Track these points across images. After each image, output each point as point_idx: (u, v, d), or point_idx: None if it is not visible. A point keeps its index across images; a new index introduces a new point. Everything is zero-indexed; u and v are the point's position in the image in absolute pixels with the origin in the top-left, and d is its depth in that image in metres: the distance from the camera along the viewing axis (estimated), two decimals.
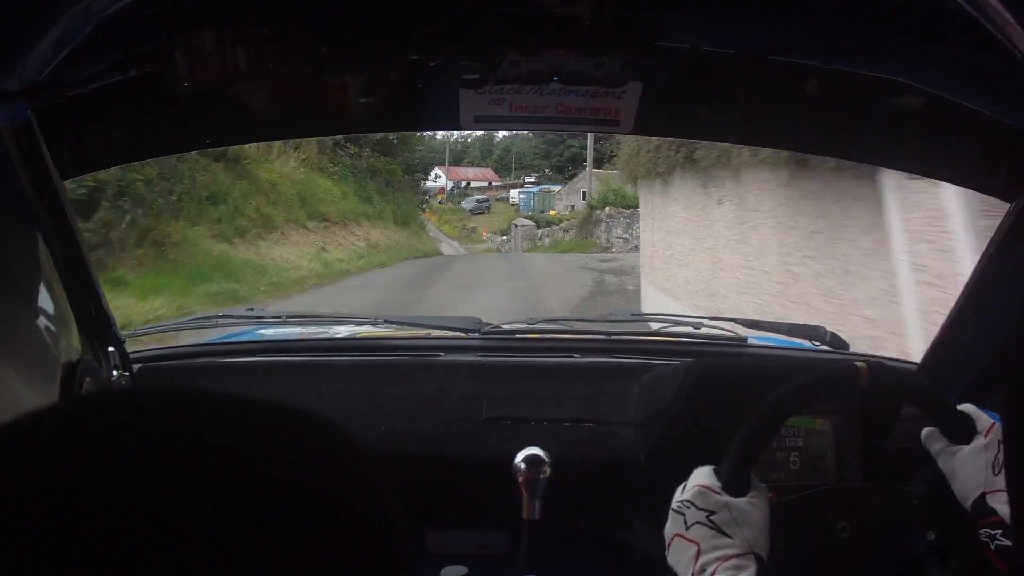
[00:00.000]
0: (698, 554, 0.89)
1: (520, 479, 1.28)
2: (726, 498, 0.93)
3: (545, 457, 1.28)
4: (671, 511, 0.96)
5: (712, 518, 0.91)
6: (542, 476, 1.27)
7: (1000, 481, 1.02)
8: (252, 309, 1.89)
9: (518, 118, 1.34)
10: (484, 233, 39.15)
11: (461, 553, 1.37)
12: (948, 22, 0.96)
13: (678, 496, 0.97)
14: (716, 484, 0.95)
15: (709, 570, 0.87)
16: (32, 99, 1.04)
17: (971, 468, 1.05)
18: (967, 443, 1.06)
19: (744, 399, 1.34)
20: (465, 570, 1.20)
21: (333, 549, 0.33)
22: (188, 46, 1.05)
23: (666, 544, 0.96)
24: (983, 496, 1.02)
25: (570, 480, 1.31)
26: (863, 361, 1.06)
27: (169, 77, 1.06)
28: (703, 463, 1.25)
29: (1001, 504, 1.01)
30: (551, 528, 1.30)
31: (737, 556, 0.88)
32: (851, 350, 1.84)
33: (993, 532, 0.99)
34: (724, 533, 0.90)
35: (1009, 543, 0.97)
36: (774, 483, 1.33)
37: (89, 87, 1.07)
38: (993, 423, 1.07)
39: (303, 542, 0.32)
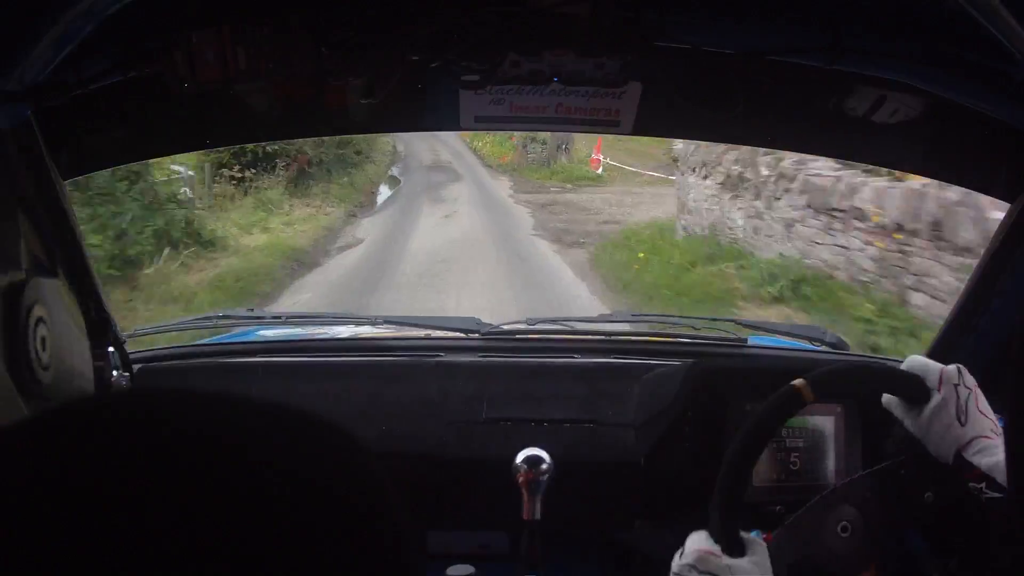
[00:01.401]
0: None
1: (520, 479, 1.28)
2: (728, 561, 0.93)
3: (545, 457, 1.28)
4: (671, 574, 0.95)
5: None
6: (542, 476, 1.27)
7: (969, 431, 1.01)
8: (252, 309, 1.88)
9: (518, 118, 1.34)
10: None
11: (461, 553, 1.37)
12: (948, 22, 0.96)
13: (678, 560, 0.96)
14: (716, 548, 0.94)
15: None
16: (32, 99, 1.04)
17: (938, 426, 1.03)
18: (926, 401, 1.05)
19: (744, 399, 1.34)
20: (471, 569, 1.20)
21: (338, 549, 0.33)
22: (188, 46, 1.05)
23: None
24: (959, 452, 1.01)
25: (570, 481, 1.31)
26: (802, 379, 1.05)
27: (169, 77, 1.06)
28: (703, 463, 1.25)
29: (977, 455, 0.99)
30: (551, 528, 1.30)
31: None
32: (850, 350, 1.85)
33: (979, 485, 0.98)
34: None
35: (998, 495, 0.96)
36: (775, 483, 1.33)
37: (89, 87, 1.07)
38: (941, 370, 1.05)
39: (308, 542, 0.32)
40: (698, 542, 0.96)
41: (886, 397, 1.11)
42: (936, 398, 1.04)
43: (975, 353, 1.39)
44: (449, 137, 26.31)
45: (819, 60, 1.12)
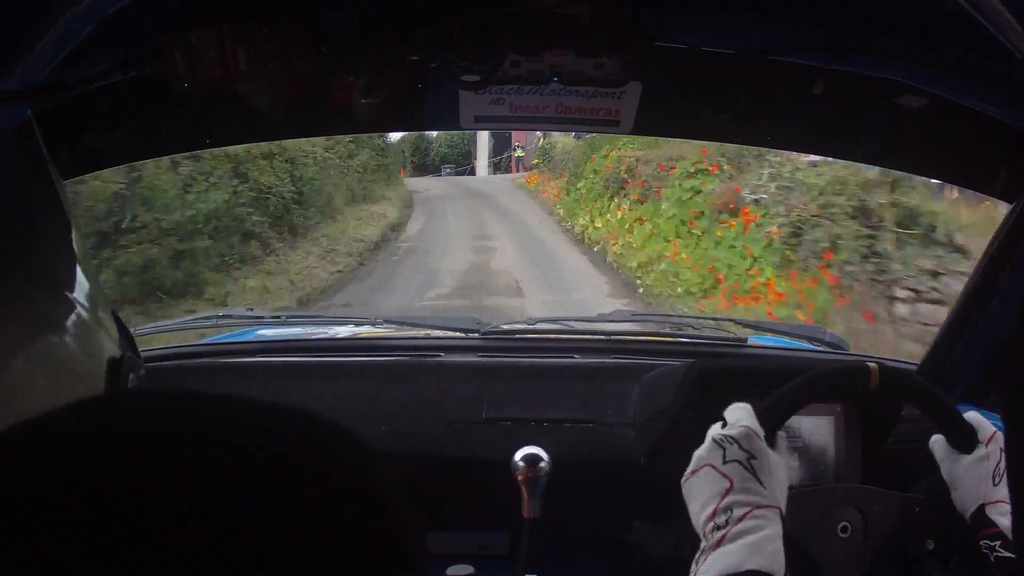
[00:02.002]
0: (729, 491, 0.88)
1: (519, 477, 1.28)
2: (767, 448, 0.93)
3: (544, 455, 1.28)
4: (710, 440, 0.94)
5: (752, 462, 0.90)
6: (541, 475, 1.28)
7: (999, 492, 1.02)
8: (252, 309, 1.88)
9: (518, 118, 1.34)
10: None
11: (461, 553, 1.37)
12: (948, 22, 0.96)
13: (717, 429, 0.95)
14: (760, 430, 0.94)
15: (738, 512, 0.86)
16: (32, 99, 1.04)
17: (972, 478, 1.04)
18: (969, 452, 1.06)
19: (744, 399, 1.34)
20: (471, 569, 1.20)
21: (342, 546, 0.33)
22: (188, 46, 1.05)
23: (690, 470, 0.94)
24: (982, 507, 1.02)
25: (570, 480, 1.31)
26: (874, 362, 1.07)
27: (169, 77, 1.06)
28: None
29: (1000, 516, 1.01)
30: (551, 528, 1.30)
31: (766, 507, 0.87)
32: (849, 350, 1.85)
33: (992, 543, 0.99)
34: (760, 481, 0.89)
35: (1009, 555, 0.97)
36: None
37: (89, 87, 1.07)
38: (995, 432, 1.07)
39: (312, 540, 0.32)
40: (746, 418, 0.96)
41: (935, 438, 1.12)
42: (981, 451, 1.05)
43: (975, 353, 1.40)
44: (501, 191, 23.18)
45: (819, 60, 1.12)
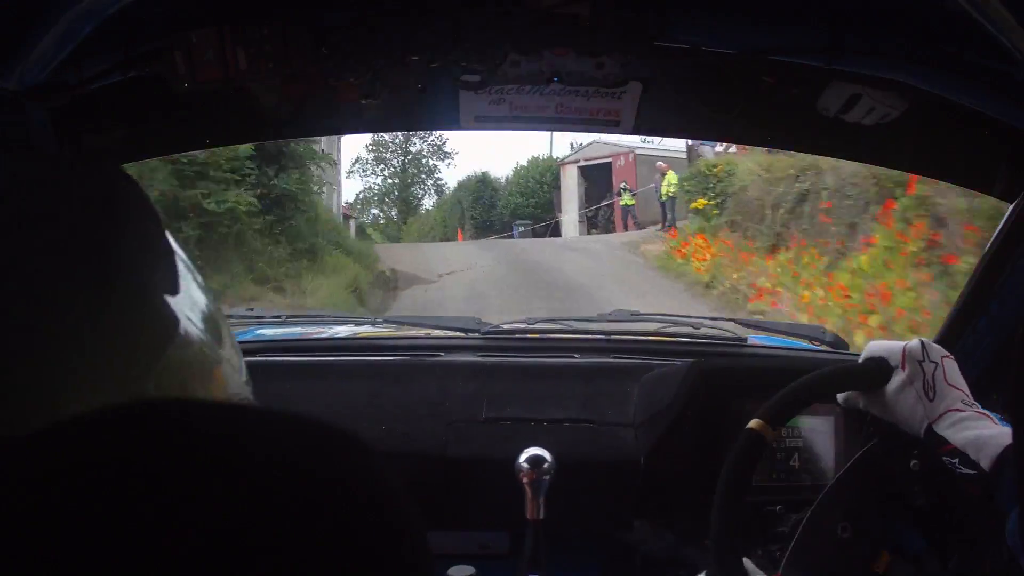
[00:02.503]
0: None
1: (524, 479, 1.28)
2: None
3: (548, 457, 1.29)
4: None
5: None
6: (545, 476, 1.28)
7: (938, 405, 0.99)
8: (252, 309, 1.88)
9: (518, 118, 1.34)
10: None
11: (461, 553, 1.37)
12: (948, 22, 0.96)
13: None
14: None
15: None
16: (32, 99, 1.04)
17: (905, 406, 1.02)
18: (887, 383, 1.04)
19: (744, 399, 1.34)
20: (472, 570, 1.20)
21: (344, 545, 0.33)
22: (188, 46, 1.05)
23: None
24: (930, 428, 0.99)
25: (570, 480, 1.31)
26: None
27: (169, 77, 1.06)
28: (703, 463, 1.25)
29: (948, 429, 0.98)
30: (551, 528, 1.30)
31: None
32: (849, 350, 1.85)
33: (952, 460, 0.96)
34: None
35: (971, 471, 0.94)
36: (774, 483, 1.33)
37: (89, 87, 1.07)
38: (904, 346, 1.04)
39: (313, 539, 0.32)
40: None
41: (842, 396, 1.11)
42: (900, 376, 1.03)
43: (974, 353, 1.39)
44: (607, 274, 11.96)
45: (819, 60, 1.12)
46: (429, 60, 1.13)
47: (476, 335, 1.71)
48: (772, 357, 1.76)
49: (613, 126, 1.34)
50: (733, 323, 1.88)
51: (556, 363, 1.61)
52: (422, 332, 1.85)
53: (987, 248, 1.35)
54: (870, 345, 1.09)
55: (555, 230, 23.43)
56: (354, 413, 1.44)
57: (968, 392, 1.01)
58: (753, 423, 1.03)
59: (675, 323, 1.95)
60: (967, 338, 1.40)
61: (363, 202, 44.32)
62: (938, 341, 1.47)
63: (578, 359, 1.63)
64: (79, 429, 0.34)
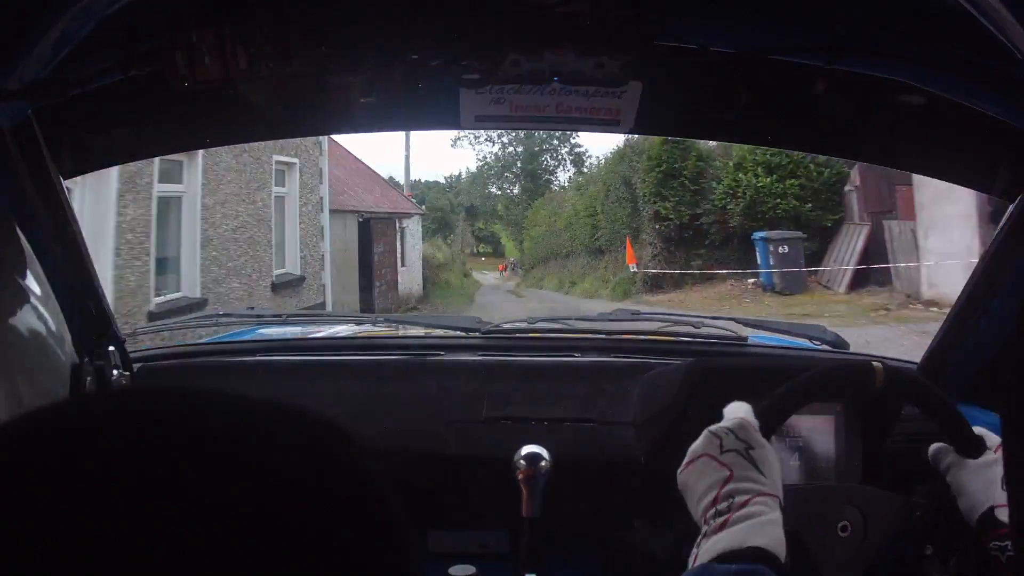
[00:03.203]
0: (729, 479, 0.88)
1: (520, 476, 1.28)
2: (763, 440, 0.93)
3: (545, 454, 1.29)
4: (706, 432, 0.94)
5: (751, 452, 0.90)
6: (542, 473, 1.28)
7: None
8: (252, 308, 1.88)
9: (518, 118, 1.34)
10: None
11: (461, 553, 1.37)
12: (948, 22, 0.96)
13: (714, 425, 0.96)
14: (756, 422, 0.95)
15: (739, 499, 0.86)
16: (32, 99, 1.04)
17: (980, 482, 1.04)
18: (977, 457, 1.06)
19: (744, 399, 1.34)
20: (473, 569, 1.20)
21: (335, 548, 0.33)
22: (188, 46, 1.05)
23: (685, 461, 0.94)
24: (991, 509, 1.01)
25: (570, 480, 1.31)
26: (879, 362, 1.06)
27: (169, 77, 1.06)
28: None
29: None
30: (551, 528, 1.30)
31: (768, 495, 0.88)
32: (850, 349, 1.85)
33: (1002, 544, 0.99)
34: (759, 470, 0.89)
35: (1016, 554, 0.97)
36: None
37: (89, 87, 1.07)
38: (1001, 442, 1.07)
39: (304, 542, 0.32)
40: (742, 411, 0.97)
41: (935, 446, 1.12)
42: (989, 455, 1.06)
43: (974, 353, 1.39)
44: None
45: (819, 60, 1.12)
46: (429, 59, 1.13)
47: (476, 334, 1.71)
48: (773, 357, 1.76)
49: (613, 125, 1.34)
50: (734, 322, 1.88)
51: (556, 362, 1.61)
52: (422, 331, 1.85)
53: (988, 247, 1.35)
54: (978, 428, 1.11)
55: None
56: (354, 412, 1.45)
57: None
58: (877, 364, 1.06)
59: (676, 323, 1.95)
60: (968, 337, 1.40)
61: (474, 178, 37.82)
62: (940, 340, 1.48)
63: (579, 358, 1.63)
64: (43, 418, 0.34)
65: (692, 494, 0.91)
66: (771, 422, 1.01)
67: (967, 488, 1.06)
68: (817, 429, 1.35)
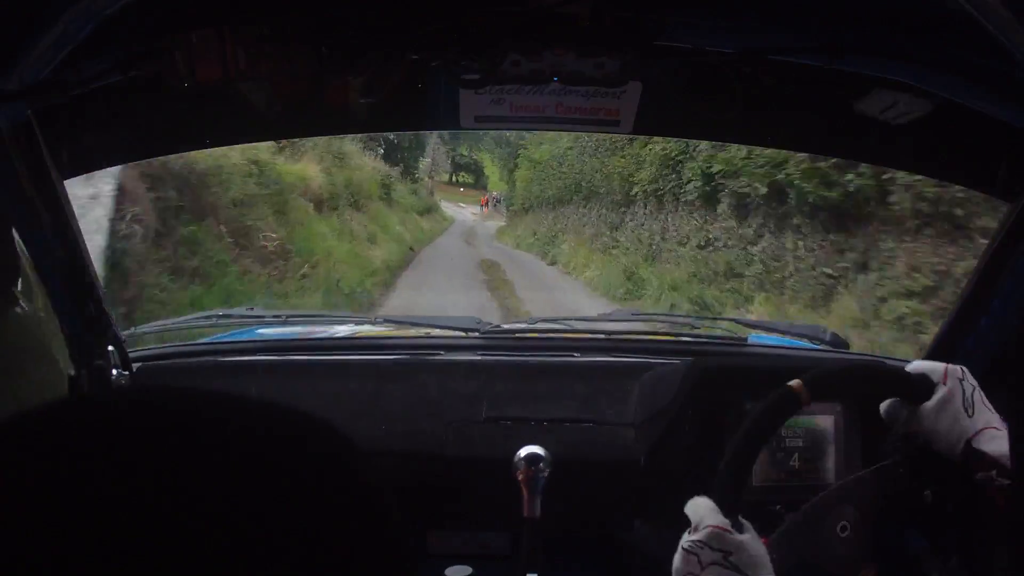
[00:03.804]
0: None
1: (520, 476, 1.28)
2: (739, 538, 0.92)
3: (544, 455, 1.29)
4: (682, 550, 0.94)
5: (731, 559, 0.90)
6: (542, 474, 1.28)
7: (977, 422, 1.01)
8: (252, 309, 1.89)
9: (518, 118, 1.34)
10: None
11: (461, 553, 1.38)
12: (948, 22, 0.96)
13: (687, 537, 0.95)
14: (727, 523, 0.94)
15: None
16: (32, 99, 1.04)
17: (945, 420, 1.03)
18: (929, 399, 1.05)
19: (744, 398, 1.34)
20: (470, 570, 1.20)
21: (330, 548, 0.33)
22: (188, 46, 1.05)
23: None
24: (968, 443, 1.01)
25: (570, 480, 1.31)
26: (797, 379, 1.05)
27: (169, 77, 1.06)
28: (703, 462, 1.25)
29: (988, 443, 0.99)
30: (551, 528, 1.30)
31: None
32: (850, 349, 1.85)
33: (989, 474, 0.98)
34: (744, 573, 0.89)
35: (1007, 482, 0.95)
36: (775, 483, 1.33)
37: (89, 87, 1.07)
38: (945, 367, 1.06)
39: (300, 542, 0.32)
40: (709, 517, 0.95)
41: (884, 404, 1.11)
42: (941, 391, 1.04)
43: (975, 354, 1.39)
44: None
45: (819, 60, 1.12)
46: (429, 59, 1.13)
47: (476, 334, 1.71)
48: (772, 356, 1.76)
49: (613, 126, 1.34)
50: (733, 322, 1.88)
51: (556, 362, 1.61)
52: (422, 331, 1.85)
53: (988, 247, 1.35)
54: (912, 363, 1.11)
55: None
56: (354, 413, 1.45)
57: (999, 417, 1.04)
58: (793, 383, 1.03)
59: (675, 323, 1.95)
60: (969, 337, 1.40)
61: None
62: (940, 341, 1.48)
63: (578, 358, 1.64)
64: (51, 414, 0.34)
65: None
66: (733, 502, 0.98)
67: (936, 431, 1.04)
68: (817, 428, 1.35)
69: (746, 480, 1.01)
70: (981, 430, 1.01)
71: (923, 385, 1.06)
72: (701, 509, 0.95)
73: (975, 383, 1.06)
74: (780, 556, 1.04)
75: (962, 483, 1.02)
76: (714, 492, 0.98)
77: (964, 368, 1.07)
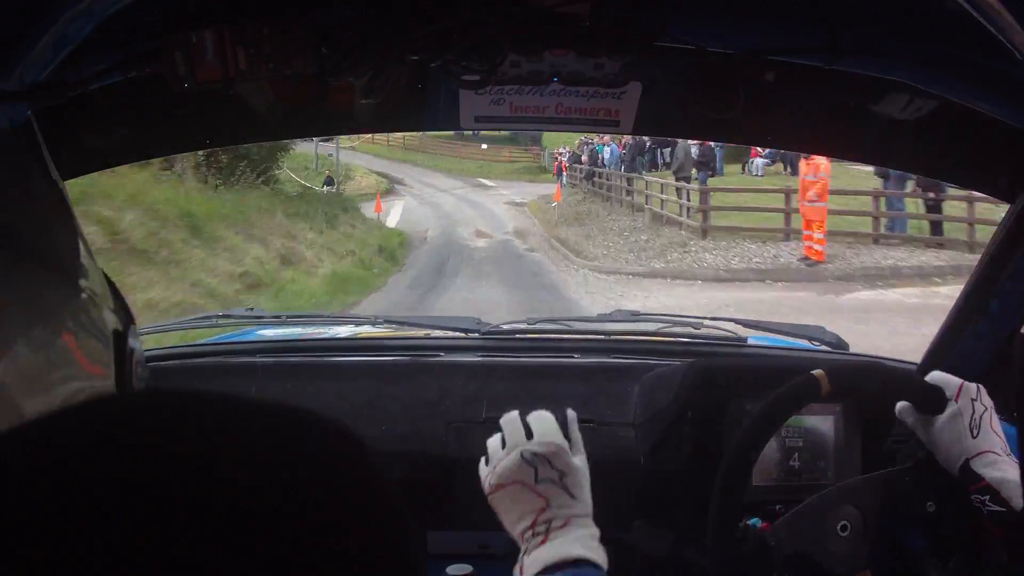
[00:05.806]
0: (545, 508, 0.91)
1: None
2: (575, 461, 0.95)
3: None
4: (517, 456, 0.94)
5: (565, 480, 0.93)
6: None
7: (980, 444, 1.03)
8: (252, 309, 1.89)
9: (518, 119, 1.34)
10: None
11: (461, 553, 1.37)
12: (948, 22, 0.96)
13: (528, 445, 0.95)
14: (566, 444, 0.97)
15: (556, 523, 0.89)
16: (32, 99, 1.04)
17: (949, 436, 1.05)
18: (941, 412, 1.07)
19: (744, 399, 1.34)
20: (470, 568, 1.20)
21: (340, 550, 0.33)
22: (188, 46, 1.05)
23: (495, 483, 0.95)
24: (967, 463, 1.03)
25: None
26: (821, 369, 1.06)
27: (169, 77, 1.06)
28: (703, 462, 1.25)
29: (984, 468, 1.01)
30: None
31: (582, 516, 0.91)
32: (850, 350, 1.85)
33: (983, 498, 1.00)
34: (573, 495, 0.92)
35: (1001, 508, 0.98)
36: (775, 483, 1.33)
37: (89, 87, 1.07)
38: (961, 384, 1.08)
39: (315, 546, 0.32)
40: (554, 435, 0.98)
41: (900, 405, 1.12)
42: (952, 408, 1.06)
43: (974, 354, 1.39)
44: None
45: (819, 60, 1.12)
46: (429, 60, 1.13)
47: (476, 335, 1.71)
48: (772, 357, 1.76)
49: (613, 126, 1.34)
50: (733, 323, 1.88)
51: (556, 363, 1.61)
52: (422, 332, 1.85)
53: (987, 248, 1.35)
54: (933, 373, 1.13)
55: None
56: (354, 413, 1.45)
57: (1007, 442, 1.05)
58: (817, 372, 1.04)
59: (675, 323, 1.95)
60: (967, 339, 1.40)
61: None
62: (939, 342, 1.48)
63: (578, 359, 1.64)
64: (64, 421, 0.34)
65: (506, 515, 0.94)
66: (747, 468, 1.02)
67: (938, 445, 1.07)
68: (817, 429, 1.35)
69: (758, 452, 1.03)
70: (981, 452, 1.02)
71: (937, 397, 1.07)
72: (545, 423, 0.98)
73: (989, 404, 1.08)
74: (779, 543, 1.04)
75: (960, 503, 1.03)
76: (725, 461, 1.01)
77: (980, 387, 1.09)
